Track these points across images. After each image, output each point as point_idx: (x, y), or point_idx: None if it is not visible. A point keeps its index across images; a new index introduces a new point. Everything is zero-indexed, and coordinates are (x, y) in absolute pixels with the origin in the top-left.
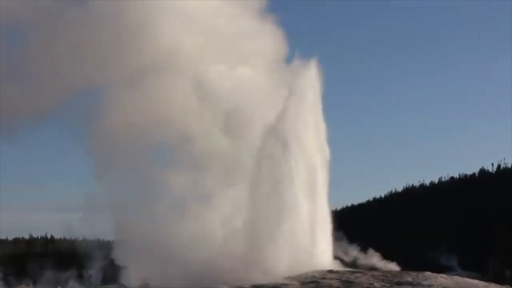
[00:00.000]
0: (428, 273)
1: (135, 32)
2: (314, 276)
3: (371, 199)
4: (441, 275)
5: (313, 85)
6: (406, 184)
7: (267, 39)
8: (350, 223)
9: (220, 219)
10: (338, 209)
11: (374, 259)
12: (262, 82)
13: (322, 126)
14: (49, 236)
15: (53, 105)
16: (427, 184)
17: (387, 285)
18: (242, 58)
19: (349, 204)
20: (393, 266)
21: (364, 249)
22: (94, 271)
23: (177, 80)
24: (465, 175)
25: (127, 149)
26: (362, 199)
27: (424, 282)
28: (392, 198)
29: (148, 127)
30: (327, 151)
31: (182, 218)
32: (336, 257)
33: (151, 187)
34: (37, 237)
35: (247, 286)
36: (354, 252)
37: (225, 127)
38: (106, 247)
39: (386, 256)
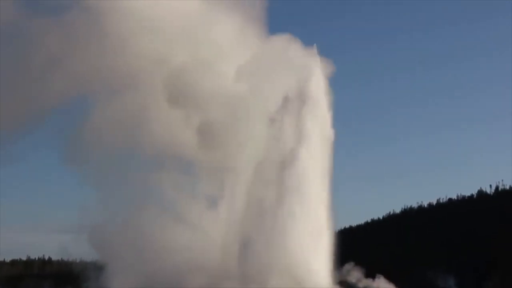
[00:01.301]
0: None
1: (118, 44)
2: None
3: (369, 220)
4: None
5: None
6: (404, 205)
7: (251, 49)
8: (349, 245)
9: (211, 226)
10: (337, 231)
11: (352, 276)
12: (243, 95)
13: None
14: (46, 258)
15: (40, 117)
16: (425, 205)
17: None
18: (225, 69)
19: (347, 226)
20: (381, 284)
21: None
22: None
23: (159, 90)
24: (463, 197)
25: (112, 157)
26: (361, 221)
27: None
28: (391, 220)
29: (133, 134)
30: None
31: (171, 224)
32: None
33: (138, 195)
34: (35, 258)
35: None
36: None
37: (200, 138)
38: (102, 267)
39: (386, 278)
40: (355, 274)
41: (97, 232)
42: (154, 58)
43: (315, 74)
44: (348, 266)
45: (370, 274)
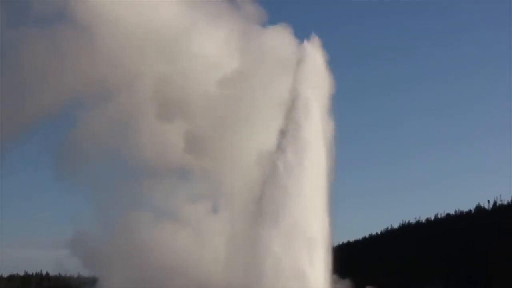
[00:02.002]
0: None
1: (106, 53)
2: None
3: (367, 235)
4: None
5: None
6: (402, 220)
7: (241, 54)
8: (346, 260)
9: (210, 233)
10: (334, 246)
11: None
12: (229, 106)
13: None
14: (44, 273)
15: (28, 130)
16: (423, 220)
17: None
18: (214, 76)
19: (345, 241)
20: None
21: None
22: None
23: (148, 98)
24: (461, 212)
25: (104, 167)
26: (359, 236)
27: None
28: (389, 235)
29: (123, 142)
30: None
31: (166, 231)
32: None
33: (132, 203)
34: (32, 274)
35: None
36: None
37: (187, 146)
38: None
39: None
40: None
41: (87, 245)
42: (143, 66)
43: (312, 71)
44: (333, 277)
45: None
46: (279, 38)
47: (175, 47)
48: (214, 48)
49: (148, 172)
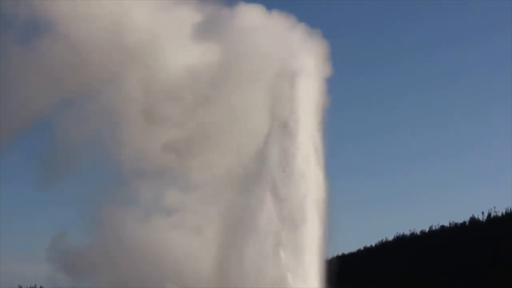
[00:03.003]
0: None
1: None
2: None
3: (362, 248)
4: None
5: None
6: (397, 233)
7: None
8: (341, 273)
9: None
10: (328, 259)
11: None
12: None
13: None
14: (38, 287)
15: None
16: (418, 233)
17: None
18: (199, 79)
19: (340, 253)
20: None
21: None
22: None
23: (133, 104)
24: (456, 224)
25: (90, 174)
26: (353, 248)
27: None
28: (383, 247)
29: (108, 148)
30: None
31: (156, 235)
32: None
33: (118, 203)
34: None
35: None
36: None
37: (174, 152)
38: None
39: None
40: None
41: (70, 255)
42: (128, 69)
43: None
44: None
45: None
46: (271, 35)
47: (158, 50)
48: (202, 47)
49: (136, 173)
